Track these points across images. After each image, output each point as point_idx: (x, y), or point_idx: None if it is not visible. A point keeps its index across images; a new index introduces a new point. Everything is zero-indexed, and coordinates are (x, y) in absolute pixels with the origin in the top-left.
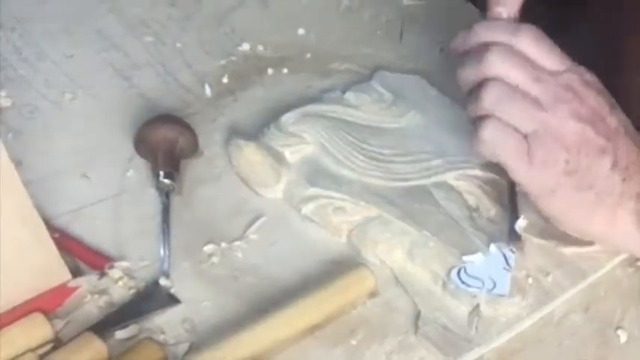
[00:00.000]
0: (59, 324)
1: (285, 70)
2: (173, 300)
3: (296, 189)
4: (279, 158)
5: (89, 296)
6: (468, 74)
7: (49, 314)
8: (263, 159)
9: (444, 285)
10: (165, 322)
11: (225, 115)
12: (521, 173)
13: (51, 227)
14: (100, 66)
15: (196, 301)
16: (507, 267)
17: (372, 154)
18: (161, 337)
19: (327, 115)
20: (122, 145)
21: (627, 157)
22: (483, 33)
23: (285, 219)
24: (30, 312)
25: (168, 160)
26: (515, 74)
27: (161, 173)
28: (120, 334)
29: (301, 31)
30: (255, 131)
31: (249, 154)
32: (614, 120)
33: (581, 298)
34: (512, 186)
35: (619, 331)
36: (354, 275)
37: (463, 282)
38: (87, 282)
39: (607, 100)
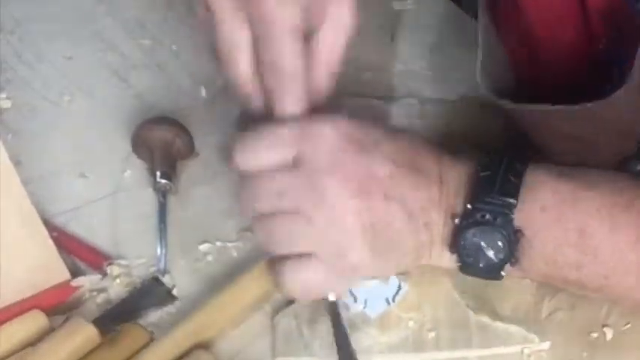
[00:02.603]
0: (58, 321)
1: None
2: (170, 297)
3: None
4: None
5: (87, 293)
6: None
7: (49, 312)
8: None
9: None
10: (161, 319)
11: (220, 117)
12: (340, 288)
13: (49, 226)
14: (98, 68)
15: (192, 298)
16: (391, 301)
17: None
18: (157, 333)
19: None
20: (120, 145)
21: (416, 198)
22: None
23: None
24: (30, 309)
25: (165, 160)
26: (259, 206)
27: (158, 173)
28: (117, 329)
29: None
30: None
31: None
32: (382, 166)
33: (568, 296)
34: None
35: (605, 329)
36: None
37: None
38: (89, 281)
39: (364, 145)
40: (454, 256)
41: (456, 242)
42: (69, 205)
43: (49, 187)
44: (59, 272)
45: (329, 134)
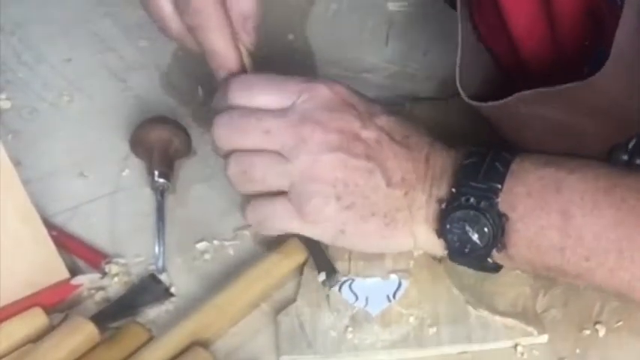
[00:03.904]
0: (57, 318)
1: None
2: (167, 294)
3: None
4: None
5: (86, 292)
6: (215, 149)
7: (48, 310)
8: None
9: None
10: (159, 316)
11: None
12: (303, 231)
13: (49, 225)
14: (97, 69)
15: (190, 296)
16: (392, 298)
17: None
18: (154, 331)
19: None
20: (118, 145)
21: (401, 168)
22: (213, 106)
23: None
24: (30, 308)
25: (163, 160)
26: (238, 140)
27: (156, 173)
28: (115, 326)
29: (290, 36)
30: None
31: None
32: (372, 131)
33: (561, 294)
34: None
35: (597, 326)
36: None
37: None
38: (88, 280)
39: (358, 110)
40: (441, 242)
41: (442, 226)
42: (68, 204)
43: (48, 187)
44: (58, 271)
45: (327, 93)
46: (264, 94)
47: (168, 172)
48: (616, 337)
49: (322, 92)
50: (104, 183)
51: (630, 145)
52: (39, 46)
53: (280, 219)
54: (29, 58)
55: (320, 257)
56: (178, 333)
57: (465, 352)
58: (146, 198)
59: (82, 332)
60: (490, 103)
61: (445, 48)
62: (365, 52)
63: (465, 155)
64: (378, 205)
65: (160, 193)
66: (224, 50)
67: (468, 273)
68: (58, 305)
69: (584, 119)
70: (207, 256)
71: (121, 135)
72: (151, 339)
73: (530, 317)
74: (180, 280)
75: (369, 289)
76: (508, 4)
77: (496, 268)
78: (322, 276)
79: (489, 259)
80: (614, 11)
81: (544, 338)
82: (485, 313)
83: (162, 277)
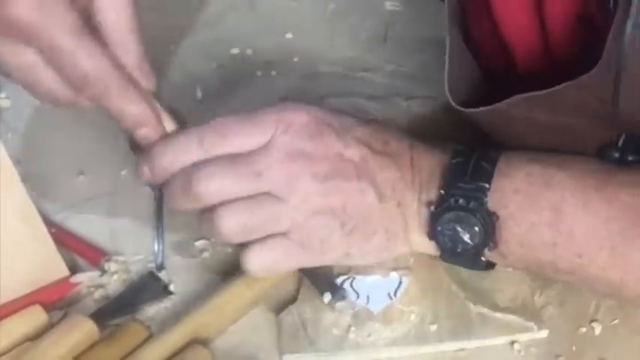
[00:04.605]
0: (57, 316)
1: (274, 73)
2: (166, 292)
3: None
4: None
5: (85, 289)
6: (186, 207)
7: (48, 307)
8: None
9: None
10: (158, 313)
11: (216, 116)
12: (310, 263)
13: (48, 223)
14: None
15: (188, 293)
16: (393, 295)
17: None
18: (153, 328)
19: None
20: (117, 144)
21: (388, 179)
22: (170, 162)
23: None
24: (30, 305)
25: None
26: (231, 189)
27: None
28: (114, 324)
29: (289, 36)
30: None
31: None
32: (354, 148)
33: (557, 292)
34: None
35: (593, 324)
36: None
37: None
38: (88, 278)
39: (335, 128)
40: (433, 243)
41: (433, 229)
42: (68, 202)
43: (48, 185)
44: (58, 269)
45: (302, 118)
46: (242, 136)
47: None
48: (612, 334)
49: (297, 119)
50: (104, 181)
51: (620, 143)
52: None
53: (287, 260)
54: None
55: (318, 280)
56: (178, 330)
57: (462, 350)
58: (145, 196)
59: (82, 330)
60: (481, 109)
61: (442, 47)
62: (363, 51)
63: (450, 155)
64: (377, 223)
65: (159, 192)
66: (137, 110)
67: (467, 270)
68: (57, 303)
69: (575, 119)
70: (206, 254)
71: (120, 134)
72: (150, 336)
73: (529, 313)
74: (179, 277)
75: (370, 287)
76: (500, 10)
77: (487, 266)
78: (327, 296)
79: (482, 258)
80: (608, 20)
81: (544, 333)
82: (485, 310)
83: (162, 274)
